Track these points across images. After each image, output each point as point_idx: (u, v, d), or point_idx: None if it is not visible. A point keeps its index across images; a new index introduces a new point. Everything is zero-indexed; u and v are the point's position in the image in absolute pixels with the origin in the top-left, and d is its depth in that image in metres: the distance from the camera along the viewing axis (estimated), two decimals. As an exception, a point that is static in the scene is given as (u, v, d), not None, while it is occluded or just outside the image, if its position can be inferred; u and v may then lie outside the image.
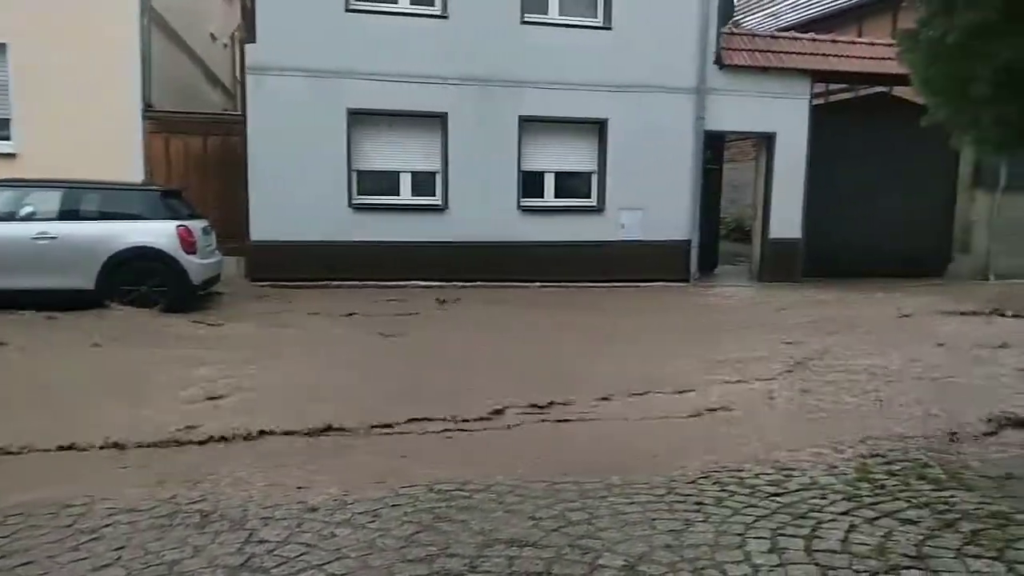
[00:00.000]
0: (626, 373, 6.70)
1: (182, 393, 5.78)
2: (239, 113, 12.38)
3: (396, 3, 11.96)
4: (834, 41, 13.99)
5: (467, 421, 5.18)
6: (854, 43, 14.08)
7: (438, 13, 12.00)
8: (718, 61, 12.90)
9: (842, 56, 13.55)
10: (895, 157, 13.50)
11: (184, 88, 14.50)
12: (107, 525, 3.45)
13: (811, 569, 2.99)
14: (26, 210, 9.04)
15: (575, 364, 7.24)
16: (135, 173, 11.39)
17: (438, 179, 12.30)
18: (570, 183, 13.05)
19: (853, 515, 3.52)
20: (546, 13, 12.46)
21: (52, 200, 9.07)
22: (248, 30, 11.47)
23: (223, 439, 4.72)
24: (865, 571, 2.95)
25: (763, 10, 21.59)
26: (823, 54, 13.50)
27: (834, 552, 3.13)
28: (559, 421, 5.27)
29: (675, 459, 4.39)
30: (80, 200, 9.23)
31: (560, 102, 12.39)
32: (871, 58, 13.32)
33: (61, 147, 10.66)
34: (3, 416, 5.19)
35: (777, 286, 12.95)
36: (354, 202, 12.00)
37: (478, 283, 12.05)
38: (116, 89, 11.54)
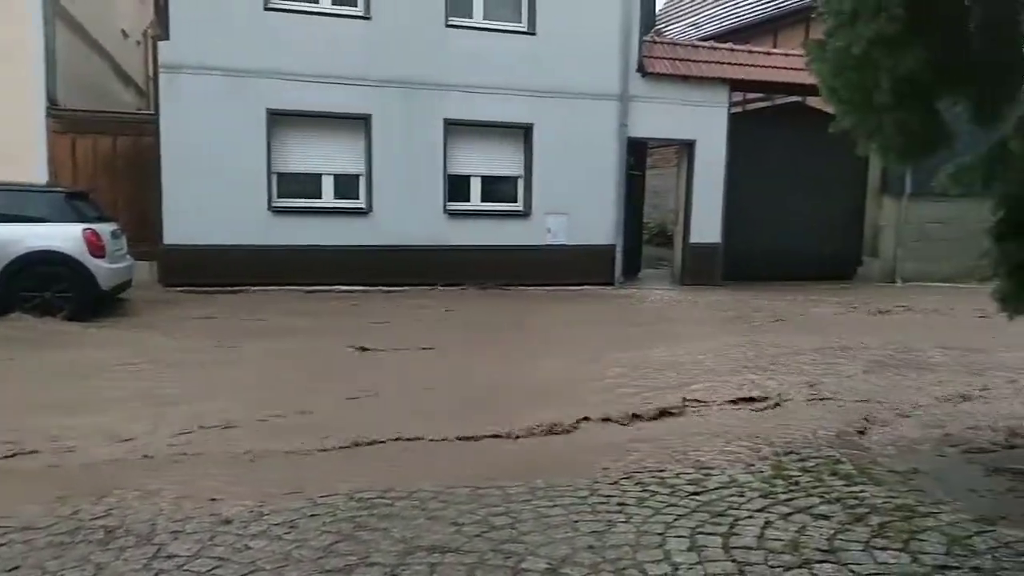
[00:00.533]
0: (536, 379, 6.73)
1: (85, 405, 5.50)
2: (152, 113, 11.91)
3: (317, 3, 11.76)
4: (751, 51, 14.47)
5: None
6: (770, 54, 14.59)
7: (360, 14, 11.85)
8: (640, 69, 13.15)
9: (758, 66, 14.02)
10: (809, 164, 14.02)
11: (93, 86, 13.87)
12: (0, 544, 3.23)
13: (728, 566, 3.04)
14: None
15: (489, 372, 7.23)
16: (39, 174, 10.83)
17: (362, 182, 12.12)
18: (497, 187, 13.07)
19: (769, 512, 3.61)
20: (470, 16, 12.47)
21: (-53, 202, 8.54)
22: (161, 27, 11.07)
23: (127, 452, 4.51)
24: (779, 566, 3.02)
25: (685, 19, 22.17)
26: (740, 64, 13.94)
27: (750, 548, 3.20)
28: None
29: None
30: (-23, 202, 8.71)
31: (485, 106, 12.40)
32: (786, 68, 13.82)
33: (-43, 146, 10.06)
34: None
35: (697, 289, 13.27)
36: (274, 205, 11.71)
37: (404, 287, 11.93)
38: (17, 86, 10.98)
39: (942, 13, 4.05)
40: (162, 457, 4.50)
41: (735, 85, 13.90)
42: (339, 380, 6.63)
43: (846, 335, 8.90)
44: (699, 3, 21.86)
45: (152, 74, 12.43)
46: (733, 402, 5.90)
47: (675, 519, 3.52)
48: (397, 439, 4.90)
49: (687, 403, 5.79)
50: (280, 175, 11.82)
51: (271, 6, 11.40)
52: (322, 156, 11.98)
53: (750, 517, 3.54)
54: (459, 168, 12.64)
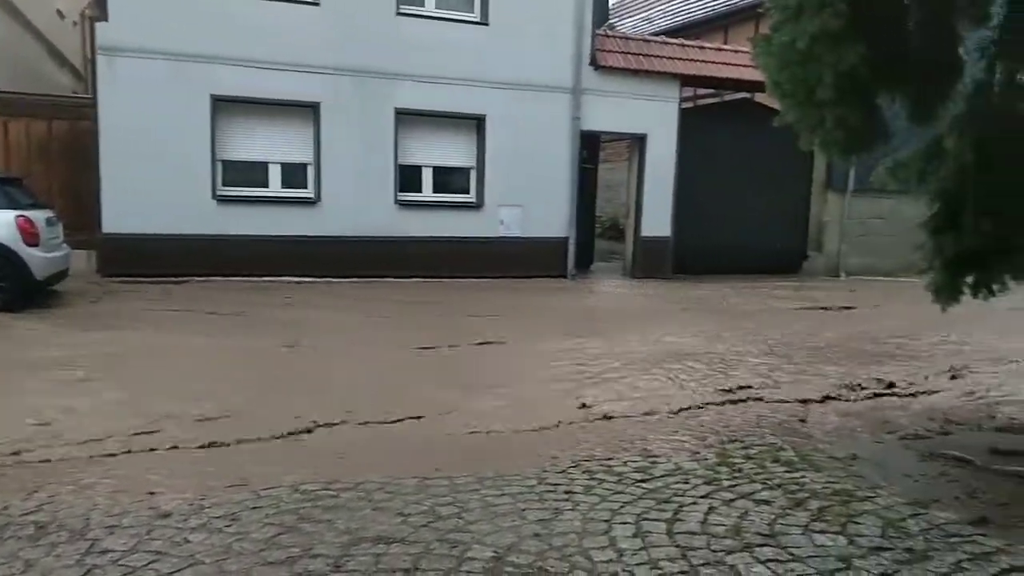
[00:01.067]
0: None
1: (8, 397, 5.30)
2: (90, 96, 11.51)
3: (265, -13, 11.49)
4: (701, 47, 14.64)
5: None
6: (720, 50, 14.78)
7: (310, 0, 11.62)
8: (593, 62, 13.20)
9: (708, 62, 14.19)
10: (757, 160, 14.25)
11: (27, 69, 13.36)
12: (-79, 544, 3.09)
13: (672, 551, 3.08)
14: None
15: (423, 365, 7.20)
16: (-32, 158, 10.40)
17: (310, 171, 11.92)
18: (449, 178, 12.99)
19: (712, 498, 3.67)
20: (422, 5, 12.34)
21: None
22: (99, 7, 10.69)
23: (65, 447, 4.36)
24: (721, 550, 3.07)
25: (637, 14, 22.32)
26: (691, 59, 14.08)
27: (694, 534, 3.24)
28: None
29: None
30: (-99, 187, 8.32)
31: (437, 96, 12.30)
32: (735, 64, 14.02)
33: None
34: None
35: (646, 283, 13.42)
36: (218, 193, 11.43)
37: (353, 279, 11.79)
38: (-56, 66, 10.49)
39: (882, 11, 4.16)
40: (96, 451, 4.35)
41: (686, 80, 14.06)
42: (272, 373, 6.51)
43: (776, 326, 9.11)
44: (651, -2, 22.05)
45: (90, 56, 12.01)
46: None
47: (621, 506, 3.55)
48: (340, 422, 4.84)
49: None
50: (225, 163, 11.54)
51: (216, -11, 11.12)
52: (269, 144, 11.73)
53: (694, 503, 3.59)
54: (411, 158, 12.52)
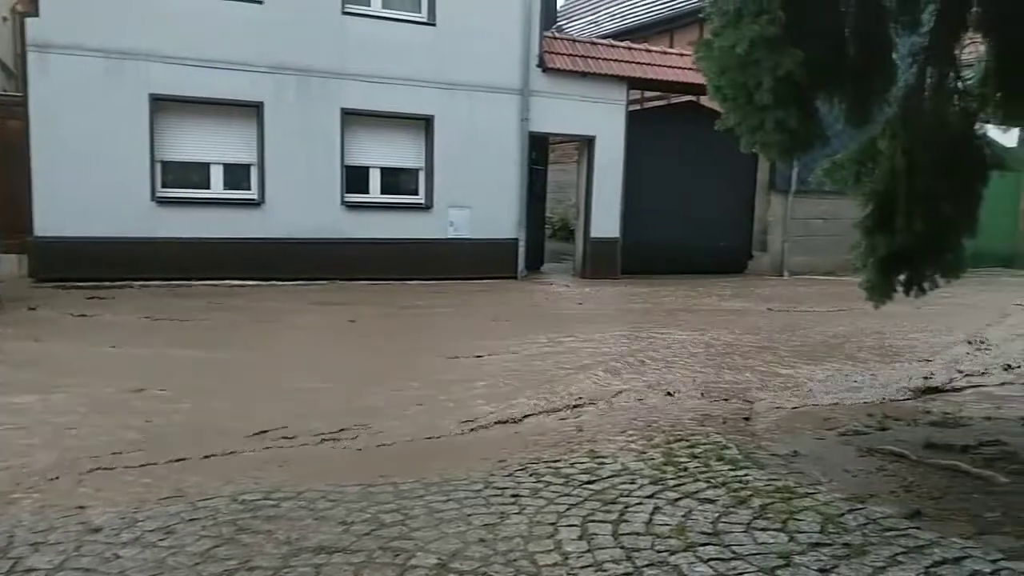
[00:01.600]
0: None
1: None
2: (20, 95, 11.08)
3: (206, -17, 11.22)
4: (648, 50, 14.81)
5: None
6: (666, 53, 14.98)
7: (253, -2, 11.39)
8: (541, 64, 13.23)
9: (655, 65, 14.37)
10: (704, 162, 14.46)
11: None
12: None
13: (617, 552, 3.08)
14: None
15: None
16: None
17: (253, 172, 11.68)
18: (397, 180, 12.88)
19: (658, 498, 3.68)
20: (368, 5, 12.20)
21: None
22: (30, 2, 10.29)
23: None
24: (666, 550, 3.08)
25: (585, 17, 22.48)
26: (638, 62, 14.24)
27: (639, 534, 3.25)
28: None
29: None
30: None
31: (384, 97, 12.18)
32: (680, 68, 14.22)
33: None
34: None
35: (595, 283, 13.49)
36: (158, 195, 11.11)
37: (300, 281, 11.59)
38: None
39: (819, 18, 4.25)
40: (20, 466, 4.17)
41: (633, 83, 14.20)
42: (210, 381, 6.37)
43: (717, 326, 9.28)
44: (598, 1, 22.23)
45: (21, 53, 11.55)
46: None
47: (567, 508, 3.54)
48: (274, 436, 4.74)
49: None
50: (165, 163, 11.24)
51: (154, -15, 10.81)
52: (211, 144, 11.45)
53: (640, 504, 3.60)
54: (357, 159, 12.37)
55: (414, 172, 12.88)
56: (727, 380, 6.52)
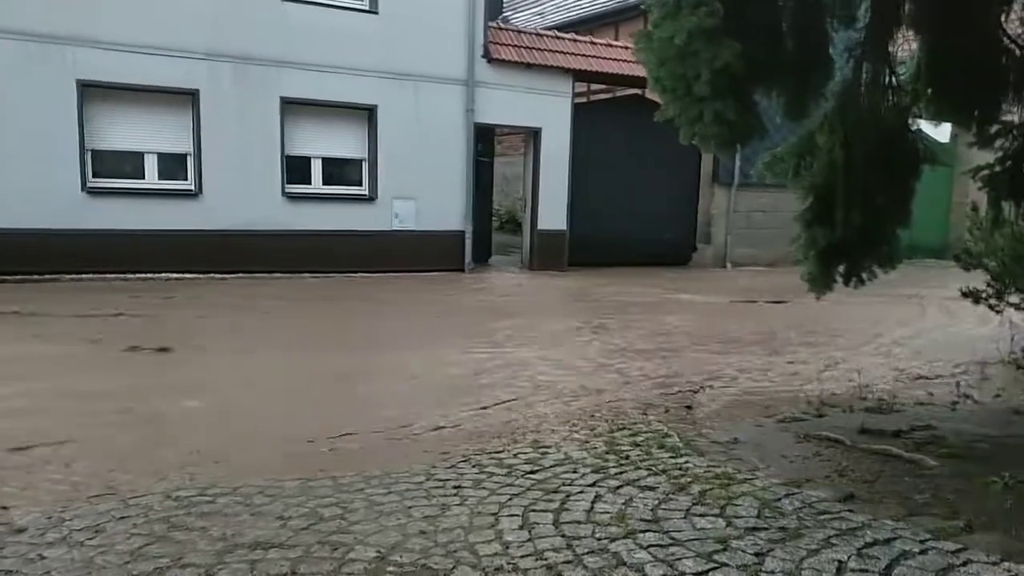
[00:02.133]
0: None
1: None
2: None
3: (136, -35, 10.82)
4: (592, 43, 14.86)
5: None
6: (611, 46, 15.05)
7: (189, -19, 11.04)
8: (486, 55, 13.16)
9: (600, 57, 14.43)
10: (649, 155, 14.54)
11: None
12: None
13: (558, 541, 3.08)
14: None
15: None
16: None
17: (190, 162, 11.34)
18: (340, 170, 12.67)
19: (599, 486, 3.70)
20: (310, -8, 11.95)
21: None
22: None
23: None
24: (606, 538, 3.10)
25: (530, 8, 22.44)
26: (583, 54, 14.28)
27: (579, 522, 3.26)
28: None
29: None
30: None
31: (326, 85, 11.95)
32: (625, 61, 14.28)
33: None
34: None
35: (542, 275, 13.53)
36: (89, 185, 10.71)
37: (240, 274, 11.33)
38: None
39: (757, 11, 4.30)
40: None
41: (578, 75, 14.23)
42: (145, 379, 6.18)
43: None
44: (544, -7, 22.22)
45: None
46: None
47: (509, 498, 3.54)
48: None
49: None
50: (96, 152, 10.83)
51: (81, -35, 10.37)
52: (144, 133, 11.06)
53: (581, 492, 3.62)
54: (299, 149, 12.12)
55: (357, 163, 12.69)
56: (672, 370, 6.59)
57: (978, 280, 6.20)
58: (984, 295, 6.03)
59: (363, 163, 12.68)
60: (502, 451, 4.28)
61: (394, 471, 3.91)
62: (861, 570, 2.83)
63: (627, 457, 4.16)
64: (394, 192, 12.75)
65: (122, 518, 3.31)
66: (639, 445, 4.40)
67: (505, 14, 19.57)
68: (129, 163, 11.11)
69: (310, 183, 12.34)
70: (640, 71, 13.72)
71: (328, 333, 8.31)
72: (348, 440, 4.55)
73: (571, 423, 4.89)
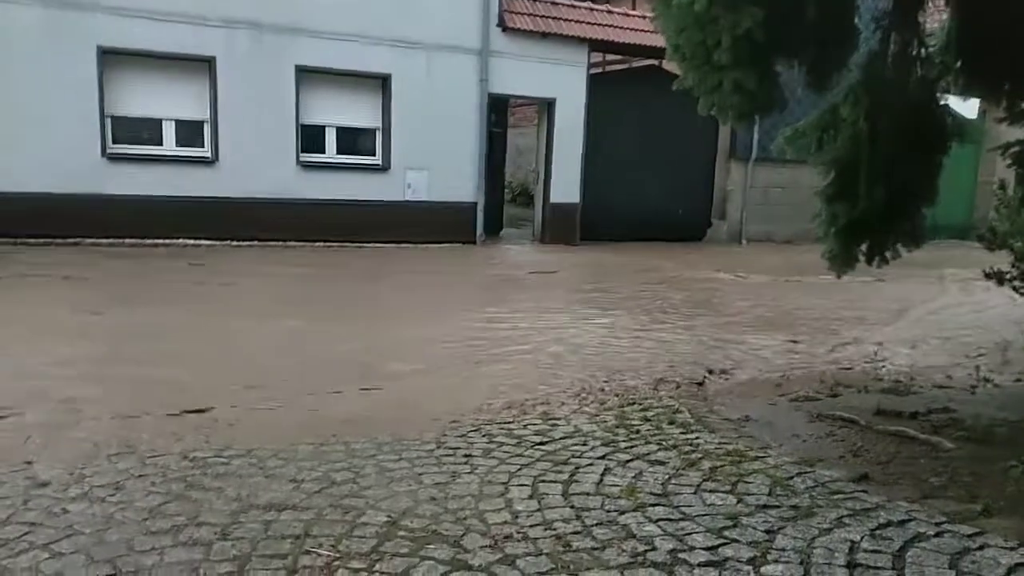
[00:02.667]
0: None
1: None
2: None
3: (153, -68, 10.73)
4: (610, 11, 14.61)
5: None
6: (628, 15, 14.80)
7: (204, -50, 10.93)
8: (501, 23, 12.98)
9: (617, 27, 14.17)
10: (664, 127, 14.38)
11: None
12: None
13: (567, 512, 3.08)
14: None
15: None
16: None
17: (207, 129, 11.32)
18: (354, 140, 12.61)
19: (609, 459, 3.70)
20: (323, -42, 11.82)
21: None
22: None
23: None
24: (615, 510, 3.10)
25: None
26: (600, 24, 14.04)
27: (589, 494, 3.26)
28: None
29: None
30: None
31: (340, 54, 11.84)
32: (643, 31, 14.02)
33: None
34: None
35: (555, 249, 13.41)
36: (109, 151, 10.73)
37: (253, 242, 11.35)
38: None
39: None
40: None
41: (594, 45, 14.01)
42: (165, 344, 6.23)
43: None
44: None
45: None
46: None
47: (519, 468, 3.54)
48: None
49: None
50: (115, 119, 10.84)
51: (100, -70, 10.30)
52: (162, 100, 11.05)
53: (591, 465, 3.61)
54: (313, 118, 12.06)
55: (371, 132, 12.62)
56: (686, 348, 6.57)
57: (1003, 261, 6.10)
58: (1008, 276, 5.92)
59: (376, 132, 12.61)
60: (511, 422, 4.28)
61: (405, 438, 3.92)
62: (874, 551, 2.80)
63: (637, 431, 4.15)
64: (407, 162, 12.68)
65: (140, 476, 3.36)
66: (649, 420, 4.38)
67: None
68: (147, 130, 11.12)
69: (324, 152, 12.30)
70: (657, 41, 13.47)
71: (355, 302, 8.31)
72: (360, 408, 4.57)
73: (581, 396, 4.88)
